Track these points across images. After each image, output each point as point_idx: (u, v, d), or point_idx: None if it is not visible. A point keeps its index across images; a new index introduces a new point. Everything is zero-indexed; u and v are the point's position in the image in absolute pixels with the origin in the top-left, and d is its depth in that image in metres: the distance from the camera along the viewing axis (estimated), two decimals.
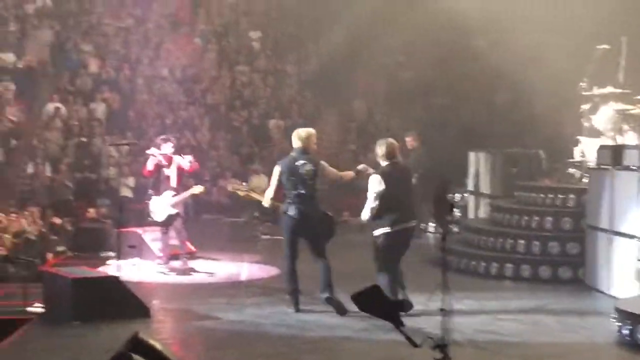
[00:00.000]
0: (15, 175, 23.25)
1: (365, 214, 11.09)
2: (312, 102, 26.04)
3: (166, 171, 14.48)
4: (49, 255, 17.36)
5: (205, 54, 27.27)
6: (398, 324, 7.01)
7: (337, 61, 26.37)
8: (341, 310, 11.14)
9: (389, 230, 11.02)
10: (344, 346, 9.89)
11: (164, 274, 14.30)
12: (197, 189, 14.92)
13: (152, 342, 6.68)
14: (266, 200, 11.73)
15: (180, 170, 14.56)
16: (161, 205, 14.36)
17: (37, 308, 11.39)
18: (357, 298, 7.20)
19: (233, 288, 13.18)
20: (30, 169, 22.63)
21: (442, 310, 7.07)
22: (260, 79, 26.83)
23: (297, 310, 11.37)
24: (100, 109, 24.44)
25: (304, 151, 11.55)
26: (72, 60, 25.94)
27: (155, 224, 14.73)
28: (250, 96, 26.19)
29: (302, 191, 11.41)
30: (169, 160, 14.55)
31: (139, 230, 15.41)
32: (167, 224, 14.49)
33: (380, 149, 11.32)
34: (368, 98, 26.44)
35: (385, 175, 11.08)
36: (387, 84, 26.67)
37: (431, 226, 19.32)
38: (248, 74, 27.01)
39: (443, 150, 21.29)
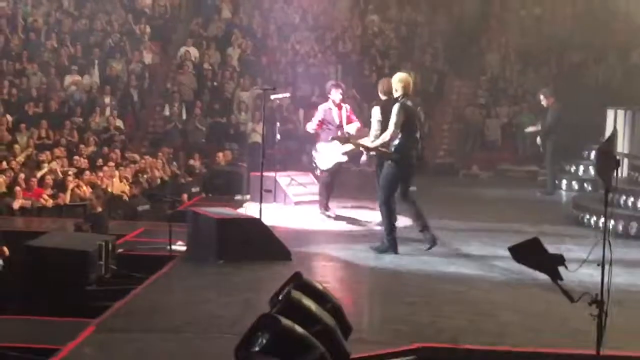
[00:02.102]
0: (149, 117, 23.72)
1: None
2: (443, 54, 25.75)
3: (336, 119, 14.19)
4: (184, 196, 17.69)
5: (338, 3, 27.16)
6: (556, 278, 6.88)
7: (470, 13, 26.04)
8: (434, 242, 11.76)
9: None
10: (485, 298, 9.74)
11: (326, 219, 14.31)
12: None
13: (312, 282, 6.75)
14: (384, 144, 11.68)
15: (348, 119, 14.29)
16: (330, 153, 14.16)
17: (180, 246, 11.60)
18: (515, 250, 7.09)
19: (370, 236, 13.14)
20: (166, 112, 23.00)
21: (599, 265, 6.90)
22: (392, 29, 26.61)
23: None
24: (235, 55, 24.61)
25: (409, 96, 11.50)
26: (207, 6, 26.15)
27: (321, 171, 14.57)
28: (381, 46, 26.02)
29: (418, 135, 11.53)
30: (340, 108, 14.27)
31: (273, 174, 15.44)
32: (334, 171, 14.38)
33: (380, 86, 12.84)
34: (501, 52, 26.03)
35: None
36: (522, 38, 26.20)
37: (564, 183, 19.05)
38: (379, 23, 26.84)
39: (577, 107, 20.90)
